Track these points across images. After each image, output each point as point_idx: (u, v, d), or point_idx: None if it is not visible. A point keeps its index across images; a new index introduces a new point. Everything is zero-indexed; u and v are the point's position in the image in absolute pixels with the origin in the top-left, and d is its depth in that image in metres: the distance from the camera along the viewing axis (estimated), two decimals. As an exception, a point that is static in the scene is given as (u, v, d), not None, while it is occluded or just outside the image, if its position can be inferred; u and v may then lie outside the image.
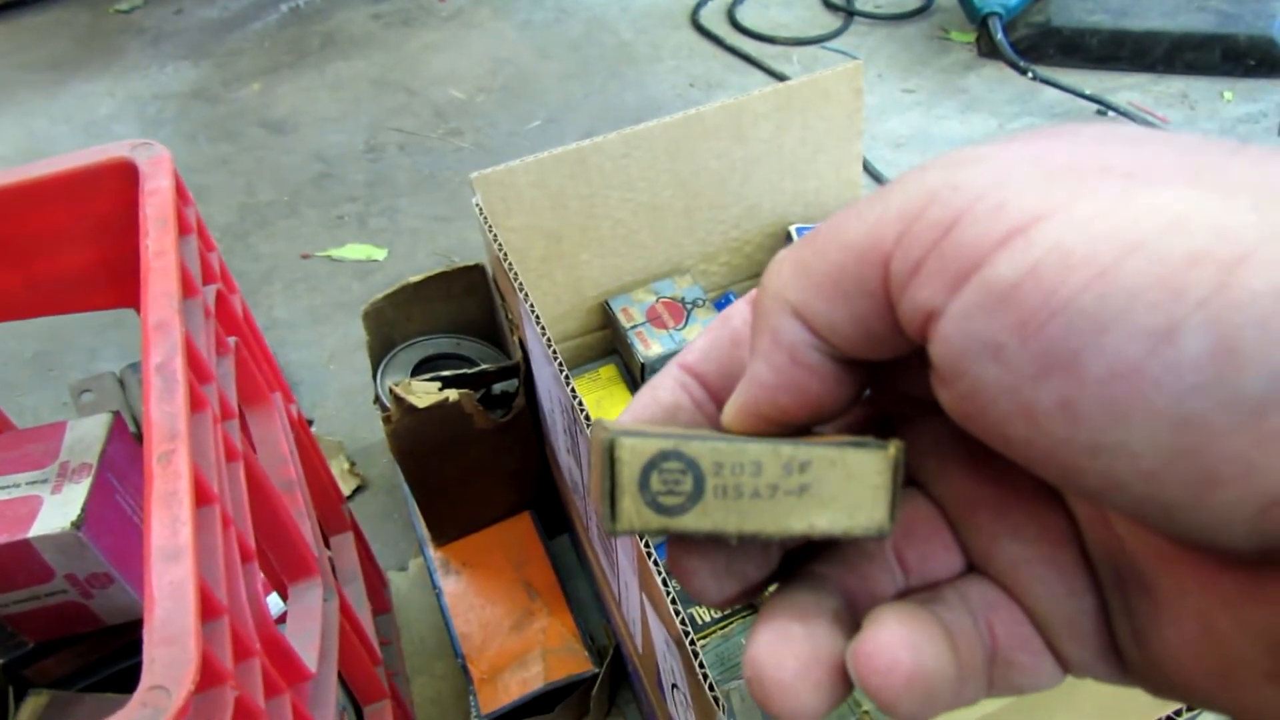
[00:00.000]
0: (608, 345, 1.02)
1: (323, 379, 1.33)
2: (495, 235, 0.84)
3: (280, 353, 1.39)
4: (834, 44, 1.91)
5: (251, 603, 0.44)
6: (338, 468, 1.14)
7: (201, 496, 0.42)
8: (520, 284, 0.77)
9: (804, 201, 1.04)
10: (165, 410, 0.44)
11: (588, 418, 0.65)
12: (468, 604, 0.86)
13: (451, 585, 0.88)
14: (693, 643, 0.53)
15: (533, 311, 0.72)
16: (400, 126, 1.80)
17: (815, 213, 1.04)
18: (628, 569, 0.65)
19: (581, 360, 1.01)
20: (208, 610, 0.37)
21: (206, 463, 0.45)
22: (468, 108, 1.85)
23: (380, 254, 1.49)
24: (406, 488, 0.92)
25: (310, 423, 1.26)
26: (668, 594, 0.55)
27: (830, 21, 1.98)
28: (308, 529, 0.64)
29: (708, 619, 0.82)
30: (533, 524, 0.92)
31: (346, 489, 1.10)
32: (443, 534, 0.91)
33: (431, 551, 0.91)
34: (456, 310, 0.94)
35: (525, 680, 0.79)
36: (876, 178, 1.51)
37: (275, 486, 0.59)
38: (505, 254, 0.81)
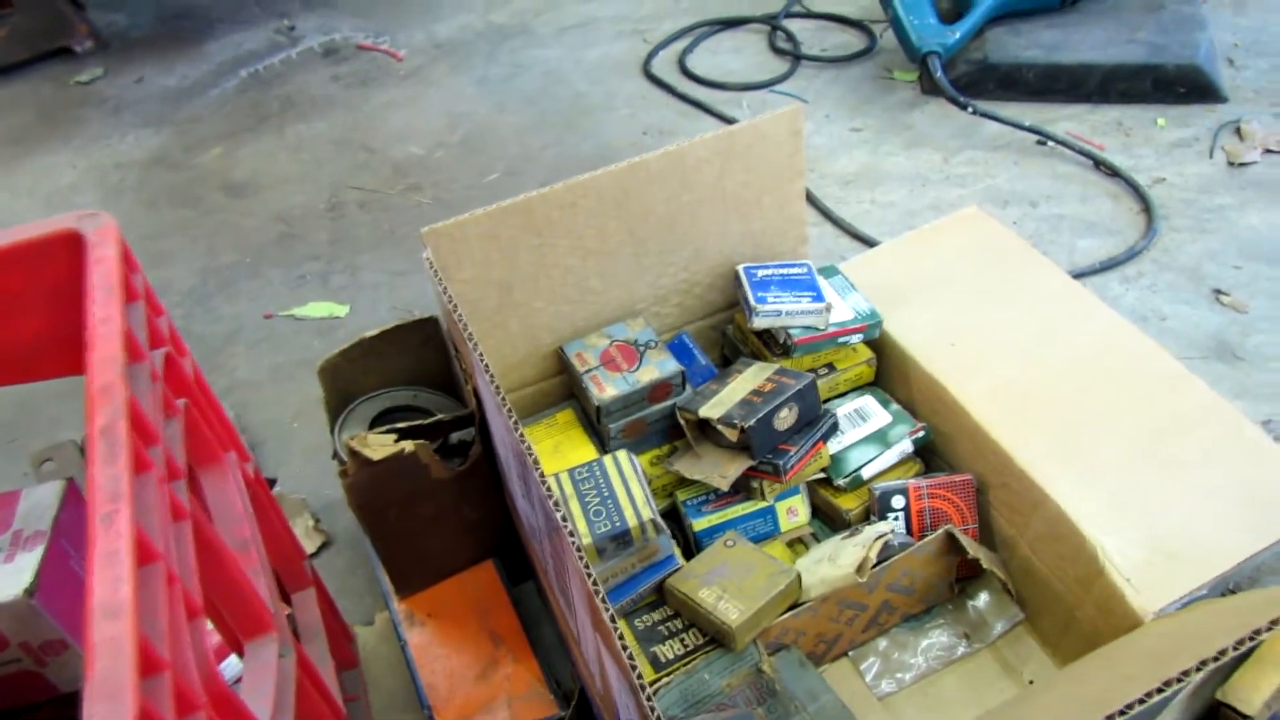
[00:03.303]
0: (565, 390, 1.04)
1: (287, 437, 1.34)
2: (445, 288, 0.86)
3: (245, 413, 1.39)
4: (782, 87, 1.97)
5: (199, 658, 0.45)
6: (302, 525, 1.14)
7: (144, 555, 0.43)
8: (470, 335, 0.79)
9: (751, 241, 1.07)
10: (108, 473, 0.45)
11: (537, 463, 0.66)
12: (433, 654, 0.86)
13: (416, 636, 0.88)
14: (643, 686, 0.54)
15: (483, 361, 0.73)
16: (360, 185, 1.82)
17: (762, 252, 1.07)
18: (583, 612, 0.66)
19: (540, 406, 1.02)
20: (148, 666, 0.38)
21: (150, 522, 0.46)
22: (427, 164, 1.88)
23: (342, 311, 1.51)
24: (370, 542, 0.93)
25: (274, 482, 1.26)
26: (618, 635, 0.57)
27: (778, 66, 2.04)
28: (264, 586, 0.64)
29: (670, 656, 0.83)
30: (495, 572, 0.93)
31: (311, 546, 1.10)
32: (407, 585, 0.91)
33: (396, 604, 0.91)
34: (413, 363, 0.96)
35: (491, 728, 0.79)
36: (826, 214, 1.55)
37: (228, 544, 0.60)
38: (455, 306, 0.83)
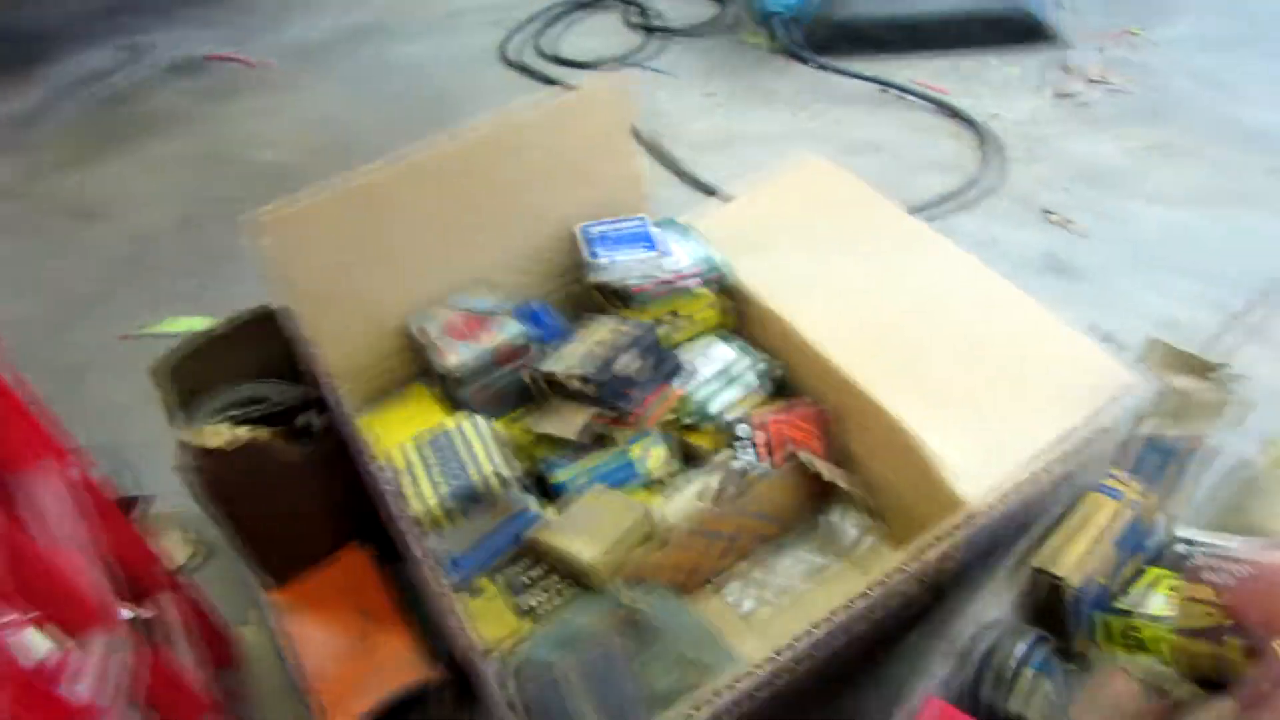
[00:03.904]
0: (414, 366, 1.04)
1: (161, 454, 1.30)
2: (277, 276, 0.86)
3: (118, 435, 1.35)
4: (639, 59, 2.00)
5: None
6: (177, 536, 1.12)
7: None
8: (302, 322, 0.79)
9: (594, 204, 1.09)
10: None
11: (365, 444, 0.68)
12: (306, 639, 0.87)
13: (288, 625, 0.88)
14: (474, 644, 0.56)
15: (315, 349, 0.74)
16: (220, 196, 1.78)
17: (603, 212, 1.09)
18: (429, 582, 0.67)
19: (393, 383, 1.02)
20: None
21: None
22: (290, 170, 1.85)
23: (200, 324, 1.47)
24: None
25: (152, 498, 1.23)
26: (448, 599, 0.59)
27: (634, 40, 2.07)
28: (93, 584, 0.64)
29: (537, 604, 0.84)
30: (362, 552, 0.93)
31: (183, 555, 1.09)
32: (276, 577, 0.91)
33: (266, 597, 0.91)
34: (258, 356, 0.95)
35: (365, 698, 0.80)
36: (682, 175, 1.59)
37: (39, 544, 0.59)
38: (286, 293, 0.83)
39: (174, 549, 1.06)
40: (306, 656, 0.85)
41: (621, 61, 2.00)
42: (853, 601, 0.60)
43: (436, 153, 0.98)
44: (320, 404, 0.88)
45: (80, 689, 0.54)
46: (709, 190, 1.54)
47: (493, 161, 1.00)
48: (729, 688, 0.56)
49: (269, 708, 0.91)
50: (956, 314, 0.98)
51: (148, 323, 1.49)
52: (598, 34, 2.13)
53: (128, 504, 1.01)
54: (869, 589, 0.61)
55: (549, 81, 1.96)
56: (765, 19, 1.90)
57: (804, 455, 0.91)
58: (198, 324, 1.45)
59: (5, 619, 0.49)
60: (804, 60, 1.81)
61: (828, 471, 0.91)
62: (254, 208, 1.75)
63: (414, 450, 0.83)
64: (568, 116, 1.04)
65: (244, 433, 0.77)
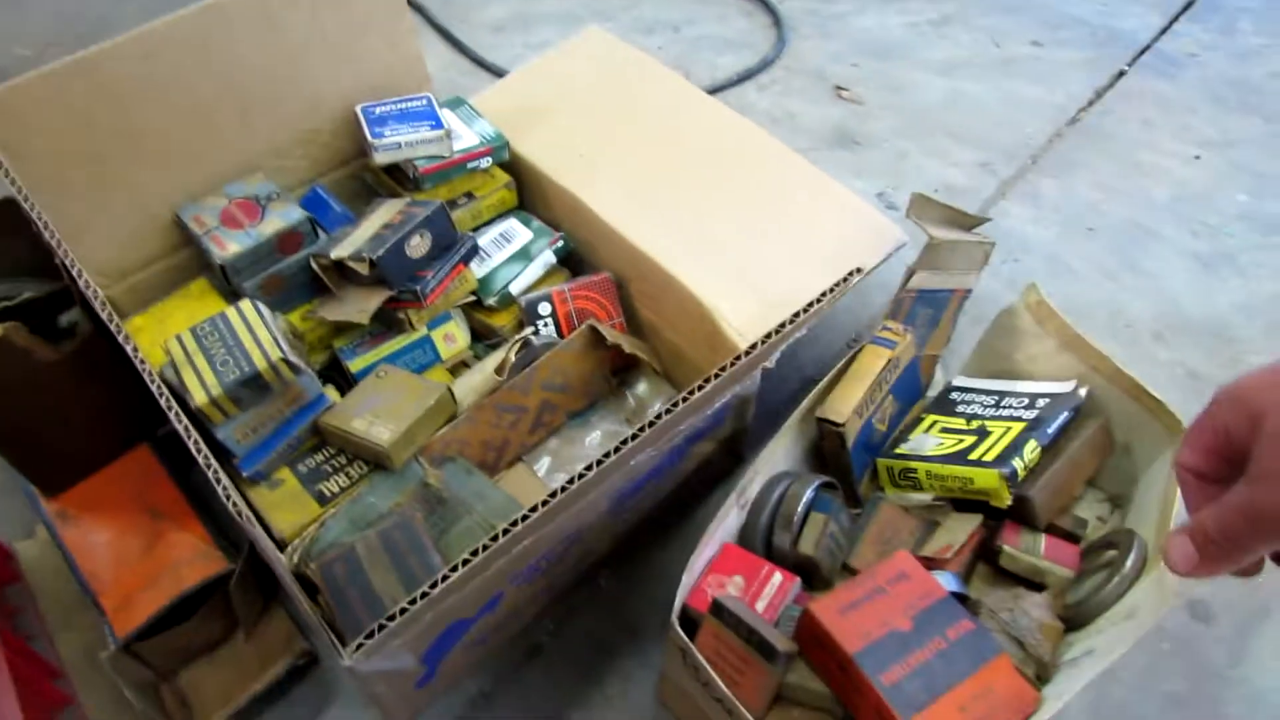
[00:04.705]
0: (200, 261, 0.99)
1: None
2: (5, 169, 0.78)
3: None
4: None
5: None
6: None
7: None
8: (35, 211, 0.73)
9: (370, 86, 1.04)
10: None
11: (129, 340, 0.64)
12: (91, 544, 0.83)
13: (70, 532, 0.85)
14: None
15: (60, 245, 0.69)
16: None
17: (382, 93, 1.05)
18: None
19: (174, 280, 0.97)
20: None
21: None
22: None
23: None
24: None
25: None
26: (225, 492, 0.58)
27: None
28: None
29: (336, 490, 0.84)
30: (151, 452, 0.90)
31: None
32: (51, 485, 0.87)
33: (44, 505, 0.86)
34: (5, 250, 0.87)
35: (157, 595, 0.79)
36: (479, 62, 1.54)
37: None
38: (18, 185, 0.76)
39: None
40: (93, 561, 0.82)
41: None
42: (625, 442, 0.63)
43: (174, 23, 0.89)
44: (70, 298, 0.82)
45: None
46: (500, 73, 1.51)
47: (242, 36, 0.93)
48: (510, 528, 0.59)
49: (57, 619, 0.88)
50: (741, 180, 1.02)
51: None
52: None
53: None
54: (640, 429, 0.64)
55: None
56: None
57: (597, 324, 0.93)
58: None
59: None
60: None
61: (627, 343, 0.94)
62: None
63: (191, 339, 0.80)
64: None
65: (-6, 332, 0.72)
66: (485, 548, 0.58)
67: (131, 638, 0.77)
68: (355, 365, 0.92)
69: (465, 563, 0.58)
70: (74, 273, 0.68)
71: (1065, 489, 0.83)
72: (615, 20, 1.65)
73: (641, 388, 1.00)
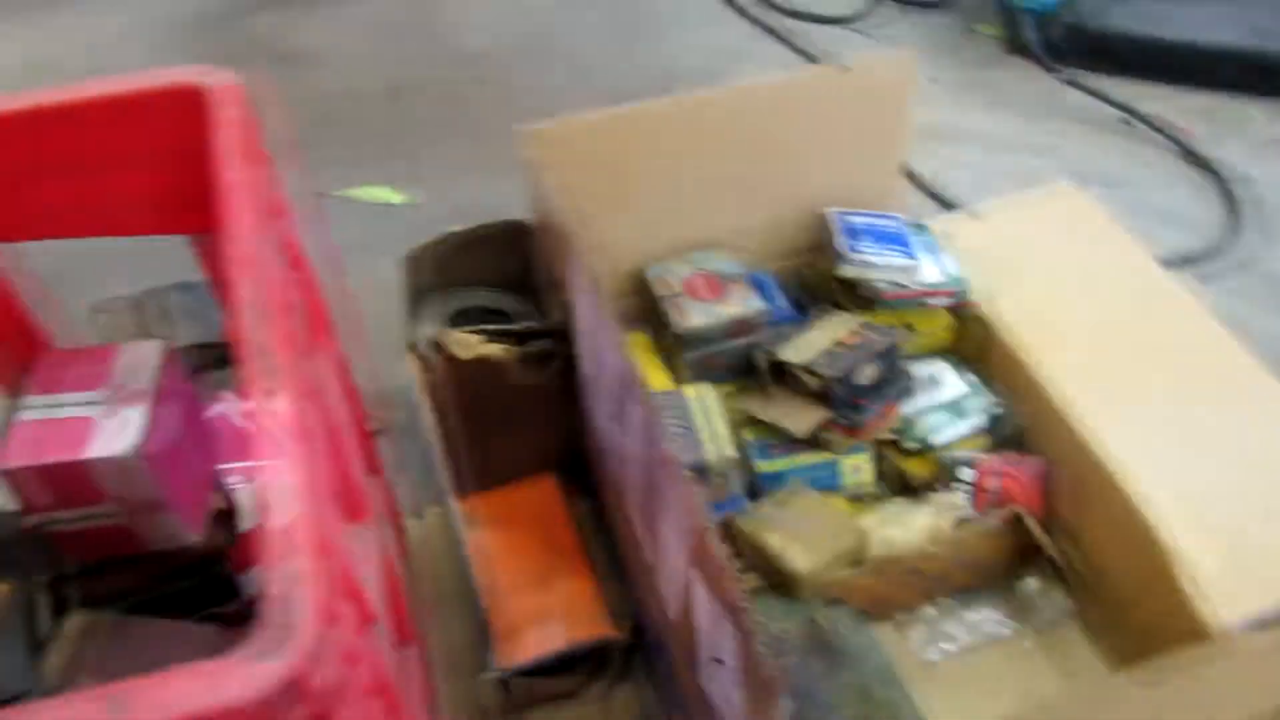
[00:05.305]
0: (635, 313, 1.01)
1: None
2: (548, 193, 0.83)
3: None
4: (857, 27, 1.90)
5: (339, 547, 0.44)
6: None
7: (300, 437, 0.41)
8: (578, 248, 0.76)
9: (846, 186, 1.04)
10: (262, 346, 0.43)
11: (647, 389, 0.65)
12: (489, 557, 0.87)
13: (474, 537, 0.88)
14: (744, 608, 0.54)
15: (593, 276, 0.71)
16: (420, 70, 1.76)
17: (850, 199, 1.04)
18: (672, 538, 0.65)
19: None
20: (321, 553, 0.37)
21: (298, 401, 0.44)
22: (489, 56, 1.81)
23: (397, 198, 1.47)
24: (429, 436, 0.92)
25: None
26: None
27: (857, 3, 1.96)
28: (358, 471, 0.64)
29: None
30: (556, 486, 0.93)
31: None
32: (465, 486, 0.91)
33: (453, 502, 0.91)
34: (495, 264, 0.93)
35: (545, 640, 0.80)
36: (904, 169, 1.51)
37: (336, 427, 0.59)
38: (561, 214, 0.80)
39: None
40: (490, 574, 0.85)
41: (845, 25, 1.91)
42: None
43: (710, 98, 0.93)
44: (559, 332, 0.86)
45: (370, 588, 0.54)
46: (932, 193, 1.47)
47: (760, 121, 0.96)
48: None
49: (426, 605, 0.92)
50: (1211, 393, 0.92)
51: (340, 185, 1.49)
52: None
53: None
54: None
55: (763, 27, 1.88)
56: (1010, 12, 1.78)
57: (1024, 514, 0.87)
58: (394, 198, 1.45)
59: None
60: (1048, 68, 1.70)
61: (1043, 540, 0.87)
62: (454, 88, 1.71)
63: (650, 407, 0.81)
64: (847, 92, 0.98)
65: (496, 350, 0.76)
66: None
67: (513, 672, 0.78)
68: (764, 467, 0.91)
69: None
70: (602, 313, 0.70)
71: None
72: (1044, 158, 1.56)
73: (1035, 586, 0.92)
